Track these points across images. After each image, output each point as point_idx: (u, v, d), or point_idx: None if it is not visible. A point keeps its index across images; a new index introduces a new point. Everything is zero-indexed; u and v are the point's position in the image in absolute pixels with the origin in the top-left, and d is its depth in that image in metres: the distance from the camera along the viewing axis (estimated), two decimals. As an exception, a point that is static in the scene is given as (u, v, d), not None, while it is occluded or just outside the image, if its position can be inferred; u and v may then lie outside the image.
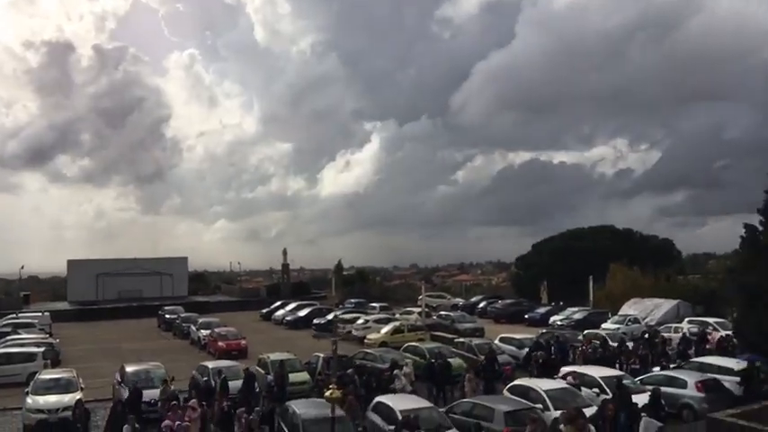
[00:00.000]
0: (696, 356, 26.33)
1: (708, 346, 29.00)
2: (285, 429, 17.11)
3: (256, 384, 22.01)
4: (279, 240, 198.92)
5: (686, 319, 37.26)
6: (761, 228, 23.68)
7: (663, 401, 18.59)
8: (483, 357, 25.02)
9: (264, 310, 50.87)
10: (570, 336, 32.81)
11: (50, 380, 22.37)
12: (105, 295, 60.37)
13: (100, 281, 61.09)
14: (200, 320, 39.69)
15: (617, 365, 25.11)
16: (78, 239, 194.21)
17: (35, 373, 24.23)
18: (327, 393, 14.80)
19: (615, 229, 59.49)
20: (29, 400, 20.62)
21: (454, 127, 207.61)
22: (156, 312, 48.75)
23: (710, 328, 33.63)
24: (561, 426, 7.07)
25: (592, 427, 6.86)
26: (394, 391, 21.23)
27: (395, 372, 22.60)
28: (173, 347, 37.55)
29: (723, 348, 27.49)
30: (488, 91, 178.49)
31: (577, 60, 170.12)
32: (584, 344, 28.87)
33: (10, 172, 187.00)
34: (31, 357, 27.97)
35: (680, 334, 32.66)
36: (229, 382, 21.79)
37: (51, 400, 20.55)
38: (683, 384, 20.99)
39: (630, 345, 29.02)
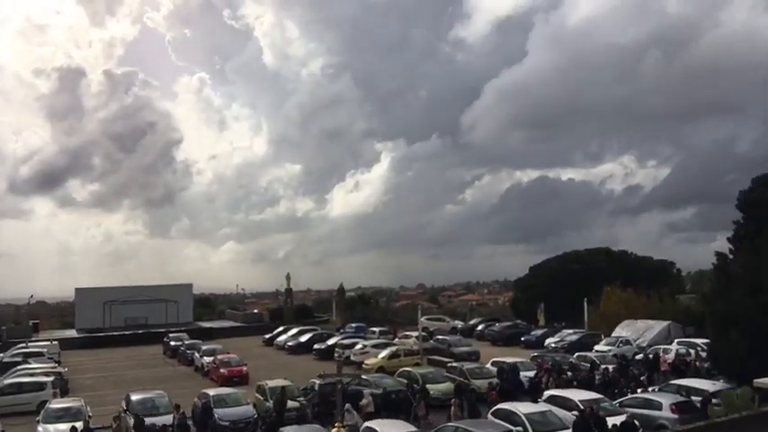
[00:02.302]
0: (649, 380, 27.90)
1: (663, 369, 30.52)
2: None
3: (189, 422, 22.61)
4: (286, 262, 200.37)
5: (676, 341, 38.26)
6: (731, 256, 24.92)
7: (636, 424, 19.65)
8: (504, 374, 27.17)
9: (267, 336, 51.99)
10: (561, 359, 33.95)
11: (60, 409, 23.66)
12: (112, 322, 61.56)
13: (107, 308, 62.31)
14: (204, 347, 40.82)
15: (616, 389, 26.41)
16: (86, 264, 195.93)
17: (45, 401, 25.52)
18: (335, 429, 15.47)
19: (610, 251, 60.56)
20: (40, 428, 21.88)
21: (463, 146, 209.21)
22: (161, 339, 49.89)
23: (699, 348, 34.67)
24: None
25: None
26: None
27: (346, 406, 22.02)
28: (177, 375, 38.71)
29: (676, 370, 29.16)
30: (499, 109, 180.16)
31: (588, 76, 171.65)
32: (544, 371, 29.33)
33: (21, 198, 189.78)
34: (41, 387, 29.21)
35: (669, 355, 33.83)
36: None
37: (61, 428, 21.77)
38: (659, 406, 22.08)
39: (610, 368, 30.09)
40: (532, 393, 25.74)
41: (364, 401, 23.78)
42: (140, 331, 57.56)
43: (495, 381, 27.61)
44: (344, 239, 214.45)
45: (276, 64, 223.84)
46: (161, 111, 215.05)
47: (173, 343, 46.70)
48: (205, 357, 38.27)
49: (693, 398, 22.89)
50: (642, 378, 28.38)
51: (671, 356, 33.25)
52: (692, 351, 34.51)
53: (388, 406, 24.59)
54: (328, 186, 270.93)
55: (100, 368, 42.12)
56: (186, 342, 45.37)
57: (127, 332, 57.62)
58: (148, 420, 21.96)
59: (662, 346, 36.95)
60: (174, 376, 37.90)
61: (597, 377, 28.08)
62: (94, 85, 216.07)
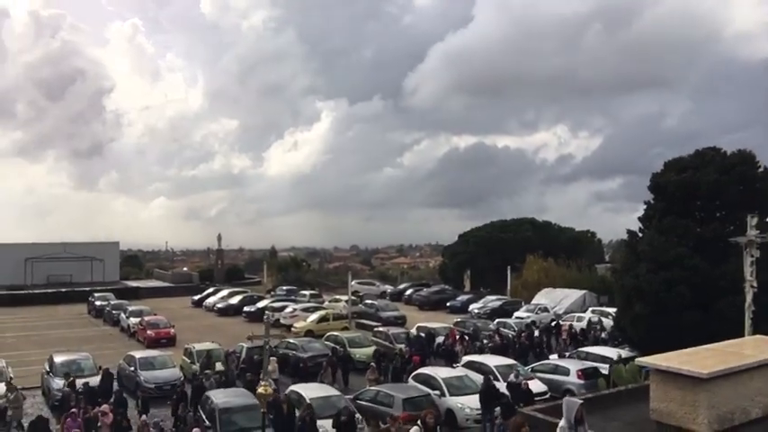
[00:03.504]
0: (548, 347, 29.83)
1: (563, 337, 32.58)
2: (204, 418, 18.72)
3: (114, 383, 22.75)
4: (219, 220, 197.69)
5: (590, 309, 40.56)
6: (641, 234, 26.69)
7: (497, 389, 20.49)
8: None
9: (197, 297, 51.69)
10: (482, 324, 35.53)
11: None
12: (34, 280, 59.75)
13: (29, 265, 60.39)
14: (131, 308, 40.39)
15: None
16: (5, 217, 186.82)
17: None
18: (261, 390, 15.82)
19: (535, 221, 62.91)
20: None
21: (404, 109, 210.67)
22: (86, 298, 48.95)
23: (610, 317, 36.95)
24: None
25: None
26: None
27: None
28: (102, 335, 38.32)
29: (573, 338, 31.31)
30: (441, 73, 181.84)
31: (530, 45, 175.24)
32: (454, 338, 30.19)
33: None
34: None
35: (583, 323, 35.90)
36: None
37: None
38: (567, 372, 23.70)
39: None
40: (446, 359, 26.95)
41: (270, 367, 24.15)
42: (64, 290, 56.13)
43: (403, 346, 28.47)
44: (280, 199, 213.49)
45: (215, 14, 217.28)
46: (90, 57, 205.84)
47: (98, 303, 45.88)
48: (131, 318, 37.97)
49: (598, 364, 24.71)
50: (543, 345, 29.96)
51: (582, 324, 35.15)
52: (604, 319, 36.71)
53: (302, 371, 25.03)
54: (266, 144, 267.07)
55: (22, 327, 41.13)
56: (112, 302, 44.67)
57: (50, 290, 56.09)
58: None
59: (576, 314, 39.24)
60: (99, 337, 37.53)
61: (517, 342, 29.55)
62: (18, 27, 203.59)
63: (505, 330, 33.32)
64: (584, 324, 35.37)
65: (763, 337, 13.32)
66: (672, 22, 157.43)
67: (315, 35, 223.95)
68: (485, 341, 28.93)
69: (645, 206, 26.94)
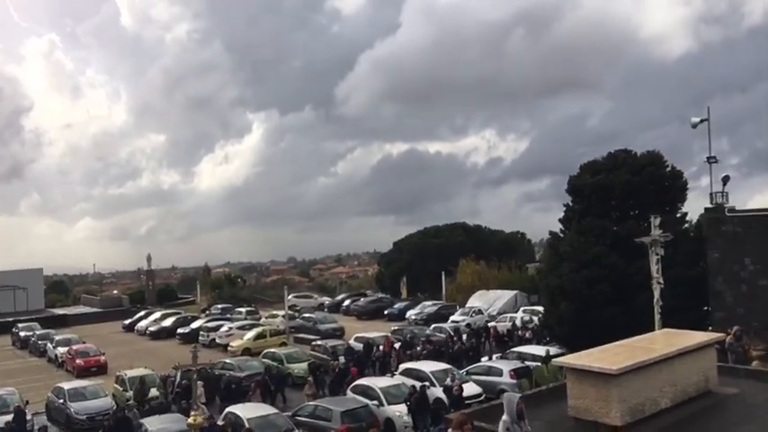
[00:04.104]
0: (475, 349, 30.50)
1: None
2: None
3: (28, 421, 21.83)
4: (149, 238, 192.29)
5: (521, 309, 41.82)
6: (562, 235, 27.87)
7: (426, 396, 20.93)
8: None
9: (127, 321, 50.16)
10: (419, 331, 36.07)
11: None
12: (-48, 313, 56.57)
13: (-55, 298, 57.16)
14: (57, 337, 38.97)
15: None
16: None
17: None
18: (191, 420, 15.54)
19: (467, 226, 64.25)
20: None
21: (337, 118, 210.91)
22: (9, 329, 46.90)
23: (540, 315, 38.19)
24: (449, 430, 8.87)
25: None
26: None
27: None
28: (29, 367, 36.82)
29: (500, 340, 32.50)
30: (372, 81, 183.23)
31: (457, 51, 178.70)
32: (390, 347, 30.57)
33: None
34: None
35: (507, 323, 36.89)
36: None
37: None
38: (500, 373, 24.50)
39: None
40: (381, 368, 27.30)
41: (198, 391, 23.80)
42: (-15, 321, 53.31)
43: (341, 360, 28.64)
44: (213, 213, 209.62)
45: (136, 27, 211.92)
46: (6, 75, 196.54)
47: (23, 333, 44.06)
48: (59, 348, 36.62)
49: (530, 363, 25.59)
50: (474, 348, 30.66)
51: (506, 325, 36.12)
52: (535, 318, 37.86)
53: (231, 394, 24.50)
54: (196, 158, 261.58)
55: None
56: (38, 332, 42.95)
57: (-31, 323, 53.14)
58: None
59: (509, 314, 40.39)
60: (25, 369, 36.03)
61: (450, 347, 30.14)
62: None
63: (441, 335, 33.97)
64: (508, 325, 36.18)
65: (670, 330, 14.28)
66: (591, 25, 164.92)
67: (242, 46, 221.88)
68: (418, 348, 29.31)
69: (564, 208, 28.14)
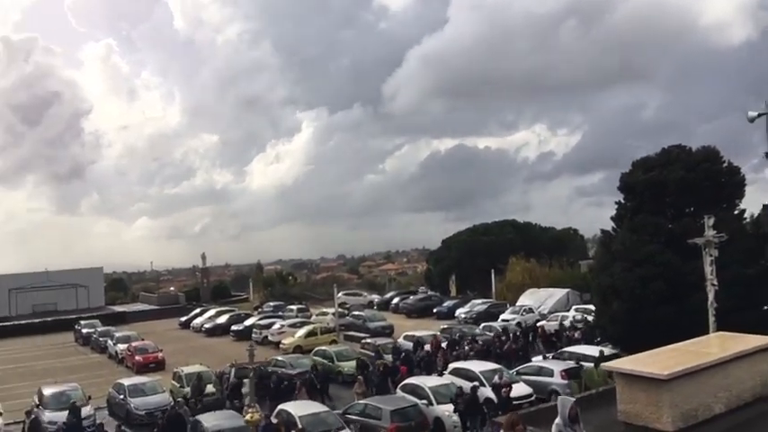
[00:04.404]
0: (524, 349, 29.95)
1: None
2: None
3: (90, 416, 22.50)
4: (204, 236, 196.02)
5: (573, 307, 41.15)
6: (614, 233, 27.35)
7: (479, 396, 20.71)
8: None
9: (184, 318, 51.67)
10: (468, 330, 35.95)
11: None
12: (19, 311, 59.43)
13: (12, 296, 60.06)
14: (117, 334, 40.38)
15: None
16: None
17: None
18: (248, 417, 15.89)
19: (517, 223, 63.69)
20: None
21: (384, 115, 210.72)
22: (72, 326, 48.80)
23: (592, 314, 37.48)
24: (501, 431, 8.94)
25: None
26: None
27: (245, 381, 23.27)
28: (91, 363, 38.23)
29: (547, 339, 31.93)
30: (419, 77, 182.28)
31: (506, 45, 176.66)
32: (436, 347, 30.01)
33: None
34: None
35: (555, 323, 36.29)
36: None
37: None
38: (550, 373, 24.17)
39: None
40: (425, 367, 27.25)
41: (244, 390, 23.82)
42: (49, 319, 55.81)
43: (387, 358, 28.65)
44: (264, 212, 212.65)
45: (189, 30, 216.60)
46: (66, 79, 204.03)
47: (84, 330, 45.77)
48: (119, 344, 37.95)
49: (583, 363, 25.19)
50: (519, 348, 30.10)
51: (554, 324, 35.56)
52: (588, 317, 37.13)
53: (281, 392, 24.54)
54: (247, 158, 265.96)
55: (7, 360, 40.92)
56: (99, 329, 44.56)
57: (35, 320, 55.74)
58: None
59: (560, 313, 39.82)
60: (87, 365, 37.47)
61: (498, 347, 29.83)
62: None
63: (489, 334, 33.75)
64: (556, 324, 35.68)
65: (724, 333, 13.92)
66: (645, 14, 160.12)
67: (290, 45, 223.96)
68: (466, 347, 29.09)
69: (616, 206, 27.59)
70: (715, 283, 18.04)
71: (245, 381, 23.34)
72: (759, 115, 23.01)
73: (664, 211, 26.14)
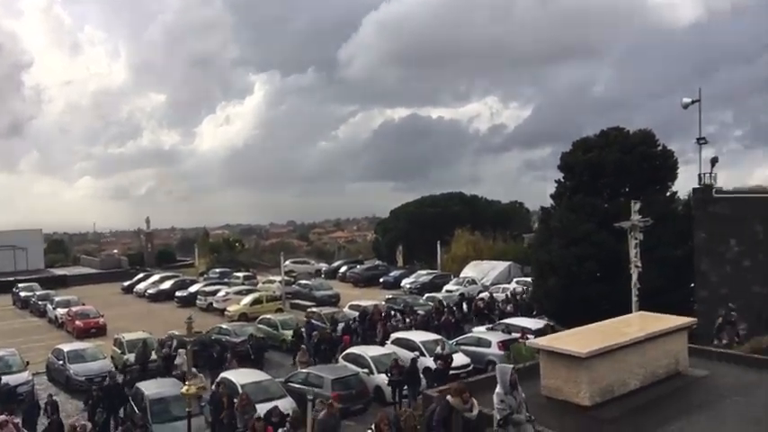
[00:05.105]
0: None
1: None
2: (135, 409, 19.06)
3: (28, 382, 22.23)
4: (149, 198, 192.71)
5: (514, 280, 42.45)
6: (552, 211, 28.32)
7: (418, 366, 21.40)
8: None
9: (126, 283, 50.94)
10: (412, 300, 36.75)
11: None
12: (-48, 272, 57.37)
13: (-54, 256, 57.90)
14: (57, 298, 39.71)
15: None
16: None
17: None
18: (185, 389, 15.82)
19: (464, 196, 64.80)
20: None
21: (339, 81, 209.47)
22: (10, 289, 47.66)
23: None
24: (449, 397, 9.16)
25: (474, 400, 9.00)
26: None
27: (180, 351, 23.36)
28: (30, 327, 37.55)
29: (479, 313, 32.49)
30: (375, 44, 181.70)
31: (462, 15, 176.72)
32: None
33: None
34: None
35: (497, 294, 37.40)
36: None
37: None
38: (488, 344, 25.11)
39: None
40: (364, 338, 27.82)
41: (178, 360, 23.73)
42: (-15, 281, 54.09)
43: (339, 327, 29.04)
44: (213, 175, 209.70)
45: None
46: (4, 30, 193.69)
47: (23, 294, 44.82)
48: (59, 309, 37.35)
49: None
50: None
51: (502, 295, 36.63)
52: (528, 289, 38.26)
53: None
54: (197, 119, 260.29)
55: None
56: (38, 292, 43.71)
57: (-30, 282, 53.93)
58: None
59: (502, 285, 41.06)
60: (26, 330, 36.76)
61: (441, 318, 30.56)
62: None
63: (430, 304, 34.35)
64: (501, 295, 36.42)
65: (645, 313, 14.82)
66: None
67: (245, 4, 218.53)
68: (407, 320, 29.54)
69: (556, 184, 28.52)
70: (639, 265, 19.06)
71: (180, 351, 23.37)
72: (692, 102, 24.17)
73: (601, 192, 27.19)
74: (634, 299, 19.05)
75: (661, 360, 12.06)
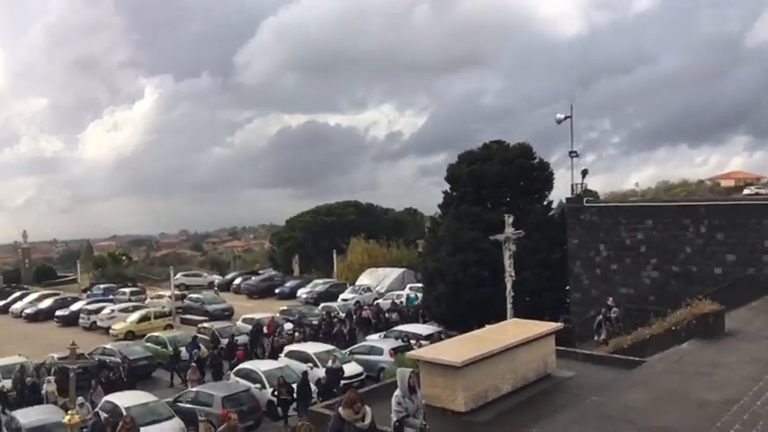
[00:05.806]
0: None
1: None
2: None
3: None
4: (28, 209, 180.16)
5: (408, 286, 43.38)
6: (440, 220, 29.45)
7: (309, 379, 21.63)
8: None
9: (1, 302, 47.57)
10: (307, 311, 36.76)
11: None
12: None
13: None
14: None
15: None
16: None
17: None
18: (67, 419, 15.06)
19: (359, 204, 65.57)
20: None
21: (235, 86, 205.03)
22: None
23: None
24: (340, 409, 9.00)
25: (368, 409, 8.86)
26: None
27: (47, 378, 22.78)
28: None
29: (367, 322, 32.81)
30: (273, 49, 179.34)
31: (360, 23, 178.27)
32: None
33: None
34: None
35: (398, 300, 38.28)
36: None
37: None
38: (380, 352, 25.68)
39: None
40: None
41: (50, 388, 22.60)
42: None
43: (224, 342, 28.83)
44: (99, 183, 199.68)
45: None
46: None
47: None
48: None
49: (412, 341, 26.95)
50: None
51: (387, 304, 37.28)
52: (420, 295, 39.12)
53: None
54: (81, 124, 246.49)
55: None
56: None
57: None
58: None
59: (396, 292, 41.90)
60: None
61: (333, 329, 30.76)
62: None
63: (317, 315, 34.17)
64: (389, 303, 36.73)
65: (518, 320, 15.86)
66: (492, 3, 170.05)
67: (135, 5, 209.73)
68: (296, 333, 29.45)
69: (444, 195, 29.67)
70: (512, 274, 20.30)
71: (49, 378, 22.33)
72: (565, 117, 25.96)
73: (484, 202, 28.55)
74: (509, 306, 20.22)
75: (531, 364, 12.94)
